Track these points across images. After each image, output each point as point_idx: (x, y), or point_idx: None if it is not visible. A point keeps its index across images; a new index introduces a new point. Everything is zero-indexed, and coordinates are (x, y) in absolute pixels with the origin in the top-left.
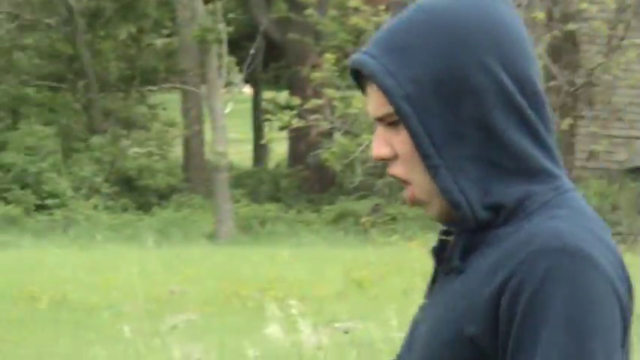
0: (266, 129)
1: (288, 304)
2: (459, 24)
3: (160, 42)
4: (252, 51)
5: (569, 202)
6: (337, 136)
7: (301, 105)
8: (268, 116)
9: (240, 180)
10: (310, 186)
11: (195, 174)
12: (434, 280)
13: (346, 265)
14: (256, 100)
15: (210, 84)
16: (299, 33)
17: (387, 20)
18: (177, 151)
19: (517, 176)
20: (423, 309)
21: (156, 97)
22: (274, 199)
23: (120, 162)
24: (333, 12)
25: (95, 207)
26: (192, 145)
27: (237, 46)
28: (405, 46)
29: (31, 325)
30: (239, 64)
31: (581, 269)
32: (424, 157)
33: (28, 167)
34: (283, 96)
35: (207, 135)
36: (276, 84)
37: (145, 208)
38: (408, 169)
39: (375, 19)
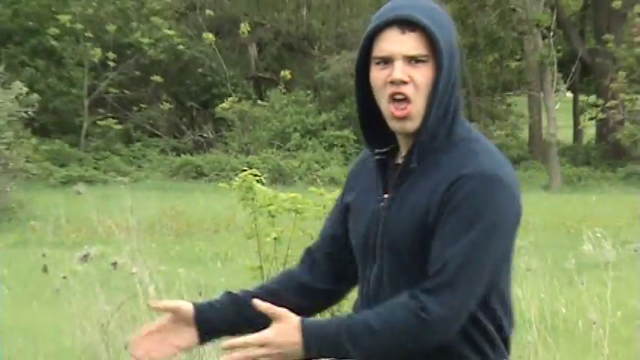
0: (581, 119)
1: (595, 230)
2: (449, 19)
3: (514, 64)
4: (573, 70)
5: (478, 139)
6: (627, 124)
7: (604, 104)
8: (582, 111)
9: (564, 151)
10: (610, 155)
11: (537, 147)
12: (384, 183)
13: (633, 205)
14: (575, 101)
15: (546, 91)
16: (603, 57)
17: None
18: (524, 134)
19: (453, 118)
20: (387, 203)
21: (511, 99)
22: (586, 163)
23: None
24: (624, 45)
25: None
26: (535, 129)
27: (563, 66)
28: (435, 20)
29: None
30: (564, 78)
31: (494, 188)
32: (437, 89)
33: None
34: (592, 98)
35: (544, 122)
36: (587, 90)
37: None
38: (416, 93)
39: None
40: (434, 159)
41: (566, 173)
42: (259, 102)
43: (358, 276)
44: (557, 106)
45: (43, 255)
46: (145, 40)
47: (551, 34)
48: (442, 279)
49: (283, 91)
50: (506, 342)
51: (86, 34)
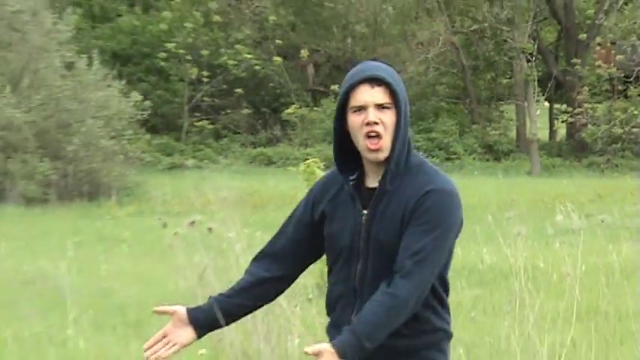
0: (555, 122)
1: (566, 205)
2: (401, 78)
3: (505, 81)
4: (549, 85)
5: (428, 164)
6: (589, 126)
7: (572, 111)
8: (556, 116)
9: (543, 146)
10: (576, 149)
11: (522, 143)
12: (358, 201)
13: (593, 187)
14: (550, 108)
15: (529, 101)
16: (572, 76)
17: (375, 63)
18: (512, 133)
19: (408, 150)
20: (368, 217)
21: (503, 107)
22: (559, 155)
23: (486, 138)
24: (587, 67)
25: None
26: (520, 130)
27: (542, 82)
28: (394, 78)
29: None
30: (542, 91)
31: (448, 199)
32: (399, 128)
33: (442, 140)
34: (563, 107)
35: (527, 125)
36: (560, 101)
37: (497, 159)
38: (385, 131)
39: (608, 70)
40: (400, 181)
41: (543, 163)
42: (315, 108)
43: (333, 270)
44: (537, 113)
45: (159, 218)
46: (231, 62)
47: (533, 58)
48: (412, 265)
49: (333, 100)
50: (447, 297)
51: (187, 57)
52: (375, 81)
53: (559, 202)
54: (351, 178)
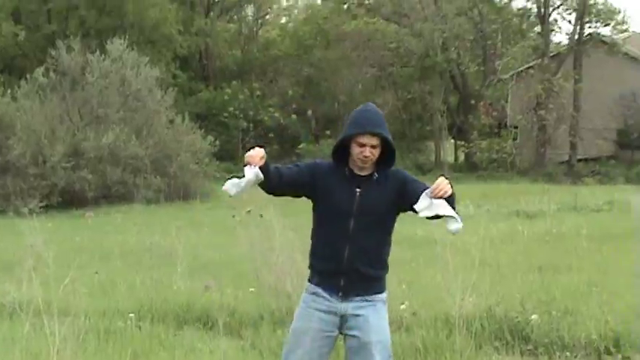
0: (457, 152)
1: (466, 200)
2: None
3: (428, 128)
4: (453, 130)
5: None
6: (478, 154)
7: (467, 144)
8: (458, 148)
9: (450, 166)
10: (470, 167)
11: (438, 164)
12: (351, 184)
13: (481, 189)
14: (455, 143)
15: (442, 139)
16: (467, 124)
17: (374, 114)
18: (432, 158)
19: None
20: (360, 193)
21: (426, 143)
22: (460, 171)
23: (417, 161)
24: (476, 119)
25: None
26: (437, 156)
27: (450, 129)
28: (383, 126)
29: None
30: (450, 133)
31: (406, 173)
32: (382, 154)
33: None
34: (462, 142)
35: (441, 153)
36: (460, 138)
37: (424, 174)
38: (372, 158)
39: (488, 121)
40: (381, 176)
41: (451, 176)
42: (316, 145)
43: (325, 226)
44: (447, 146)
45: (233, 215)
46: (266, 118)
47: (444, 114)
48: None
49: (327, 140)
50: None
51: (240, 115)
52: (375, 134)
53: (461, 199)
54: (347, 168)
